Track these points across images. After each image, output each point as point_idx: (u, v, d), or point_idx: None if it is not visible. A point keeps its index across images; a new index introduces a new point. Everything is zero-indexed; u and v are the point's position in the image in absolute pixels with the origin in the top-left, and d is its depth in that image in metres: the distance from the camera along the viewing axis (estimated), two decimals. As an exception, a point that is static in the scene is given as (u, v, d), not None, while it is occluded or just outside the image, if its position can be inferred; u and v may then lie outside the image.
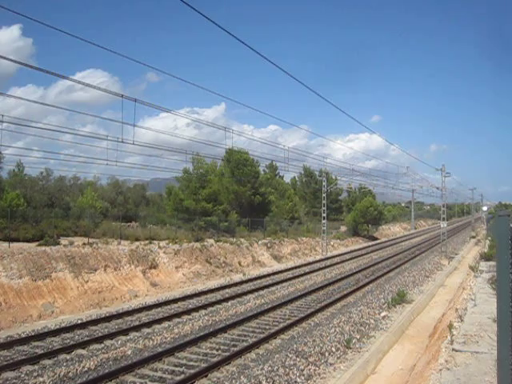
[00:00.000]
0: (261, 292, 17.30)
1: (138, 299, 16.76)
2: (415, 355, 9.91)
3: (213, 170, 36.90)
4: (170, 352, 9.67)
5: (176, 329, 11.77)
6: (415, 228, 76.04)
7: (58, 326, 12.00)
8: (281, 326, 11.97)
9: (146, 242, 23.15)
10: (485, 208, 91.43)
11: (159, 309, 14.44)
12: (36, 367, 8.90)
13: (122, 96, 14.95)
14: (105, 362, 9.24)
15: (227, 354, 9.58)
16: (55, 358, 9.42)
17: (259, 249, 29.44)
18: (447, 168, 31.81)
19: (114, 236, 23.80)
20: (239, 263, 25.69)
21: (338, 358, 9.46)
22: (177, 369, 8.83)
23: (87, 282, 16.74)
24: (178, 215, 31.09)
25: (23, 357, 9.47)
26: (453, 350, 6.79)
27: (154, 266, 20.32)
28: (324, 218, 34.92)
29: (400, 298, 14.88)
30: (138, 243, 22.32)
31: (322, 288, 18.00)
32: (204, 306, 14.48)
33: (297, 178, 56.84)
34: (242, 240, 29.39)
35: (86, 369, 8.80)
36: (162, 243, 23.35)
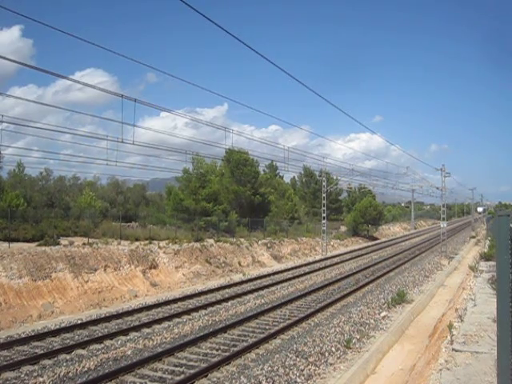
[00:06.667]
0: (261, 292, 17.30)
1: (138, 299, 16.76)
2: (415, 355, 9.91)
3: (213, 170, 36.90)
4: (169, 352, 9.67)
5: (176, 329, 11.77)
6: (415, 228, 76.07)
7: (57, 326, 12.01)
8: (281, 326, 11.97)
9: (146, 242, 23.13)
10: (480, 209, 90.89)
11: (159, 309, 14.44)
12: (36, 367, 8.90)
13: (122, 96, 14.97)
14: (105, 362, 9.24)
15: (227, 354, 9.58)
16: (55, 358, 9.42)
17: (259, 249, 29.44)
18: (447, 168, 31.87)
19: (114, 236, 23.78)
20: (239, 263, 25.69)
21: (337, 358, 9.46)
22: (177, 369, 8.83)
23: (87, 282, 16.73)
24: (178, 215, 31.07)
25: (23, 357, 9.47)
26: (453, 349, 6.79)
27: (153, 266, 20.32)
28: (324, 218, 34.92)
29: (400, 298, 14.88)
30: (137, 243, 22.30)
31: (321, 288, 18.01)
32: (204, 306, 14.48)
33: (297, 178, 56.86)
34: (242, 240, 29.38)
35: (85, 369, 8.80)
36: (162, 243, 23.34)
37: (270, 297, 16.37)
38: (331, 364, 9.11)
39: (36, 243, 18.85)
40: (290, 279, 20.50)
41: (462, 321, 8.68)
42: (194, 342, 10.41)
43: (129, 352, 9.87)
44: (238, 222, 34.50)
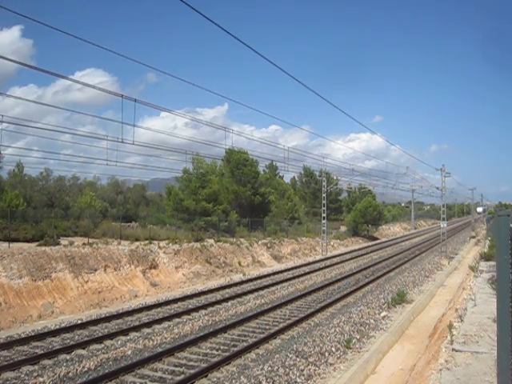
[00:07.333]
0: (261, 292, 17.30)
1: (138, 299, 16.76)
2: (415, 355, 9.91)
3: (213, 170, 36.90)
4: (169, 352, 9.67)
5: (176, 329, 11.77)
6: (415, 228, 76.04)
7: (57, 326, 12.01)
8: (281, 326, 11.97)
9: (146, 242, 23.14)
10: (479, 209, 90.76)
11: (159, 309, 14.44)
12: (36, 367, 8.89)
13: (122, 96, 14.97)
14: (105, 362, 9.24)
15: (227, 354, 9.58)
16: (55, 358, 9.42)
17: (259, 249, 29.43)
18: (447, 168, 31.87)
19: (114, 236, 23.79)
20: (239, 263, 25.69)
21: (337, 358, 9.46)
22: (177, 369, 8.83)
23: (87, 282, 16.73)
24: (178, 215, 31.08)
25: (23, 357, 9.47)
26: (453, 349, 6.79)
27: (154, 266, 20.32)
28: (324, 218, 34.92)
29: (400, 298, 14.88)
30: (138, 243, 22.31)
31: (321, 288, 18.00)
32: (204, 306, 14.48)
33: (297, 178, 56.90)
34: (242, 240, 29.38)
35: (85, 369, 8.80)
36: (162, 243, 23.34)
37: (270, 297, 16.37)
38: (331, 364, 9.11)
39: (36, 243, 18.86)
40: (290, 279, 20.49)
41: (462, 321, 8.68)
42: (194, 342, 10.40)
43: (129, 352, 9.87)
44: (238, 222, 34.51)
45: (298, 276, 21.53)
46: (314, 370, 8.63)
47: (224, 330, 11.60)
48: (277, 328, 11.69)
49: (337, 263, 27.02)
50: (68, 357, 9.54)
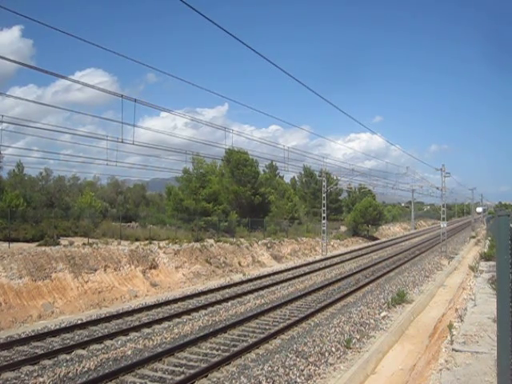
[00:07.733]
0: (261, 292, 17.30)
1: (138, 299, 16.76)
2: (415, 355, 9.91)
3: (213, 170, 36.89)
4: (169, 352, 9.67)
5: (176, 329, 11.77)
6: (415, 228, 76.06)
7: (57, 326, 12.01)
8: (281, 326, 11.97)
9: (146, 242, 23.13)
10: (479, 209, 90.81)
11: (159, 309, 14.45)
12: (36, 367, 8.89)
13: (122, 96, 14.98)
14: (105, 362, 9.24)
15: (227, 354, 9.58)
16: (55, 358, 9.42)
17: (259, 249, 29.44)
18: (447, 168, 31.88)
19: (114, 236, 23.78)
20: (239, 263, 25.69)
21: (337, 358, 9.46)
22: (177, 369, 8.83)
23: (87, 282, 16.73)
24: (178, 215, 31.08)
25: (23, 357, 9.47)
26: (453, 350, 6.79)
27: (154, 266, 20.31)
28: (324, 218, 34.92)
29: (400, 298, 14.89)
30: (137, 243, 22.30)
31: (321, 288, 18.01)
32: (204, 306, 14.48)
33: (297, 178, 56.92)
34: (242, 240, 29.38)
35: (85, 369, 8.80)
36: (162, 243, 23.34)
37: (270, 297, 16.37)
38: (331, 364, 9.11)
39: (36, 243, 18.85)
40: (290, 279, 20.50)
41: (462, 321, 8.68)
42: (194, 342, 10.41)
43: (129, 352, 9.87)
44: (238, 222, 34.50)
45: (298, 276, 21.53)
46: (314, 370, 8.64)
47: (224, 330, 11.61)
48: (277, 328, 11.70)
49: (337, 263, 27.02)
50: (68, 357, 9.54)
